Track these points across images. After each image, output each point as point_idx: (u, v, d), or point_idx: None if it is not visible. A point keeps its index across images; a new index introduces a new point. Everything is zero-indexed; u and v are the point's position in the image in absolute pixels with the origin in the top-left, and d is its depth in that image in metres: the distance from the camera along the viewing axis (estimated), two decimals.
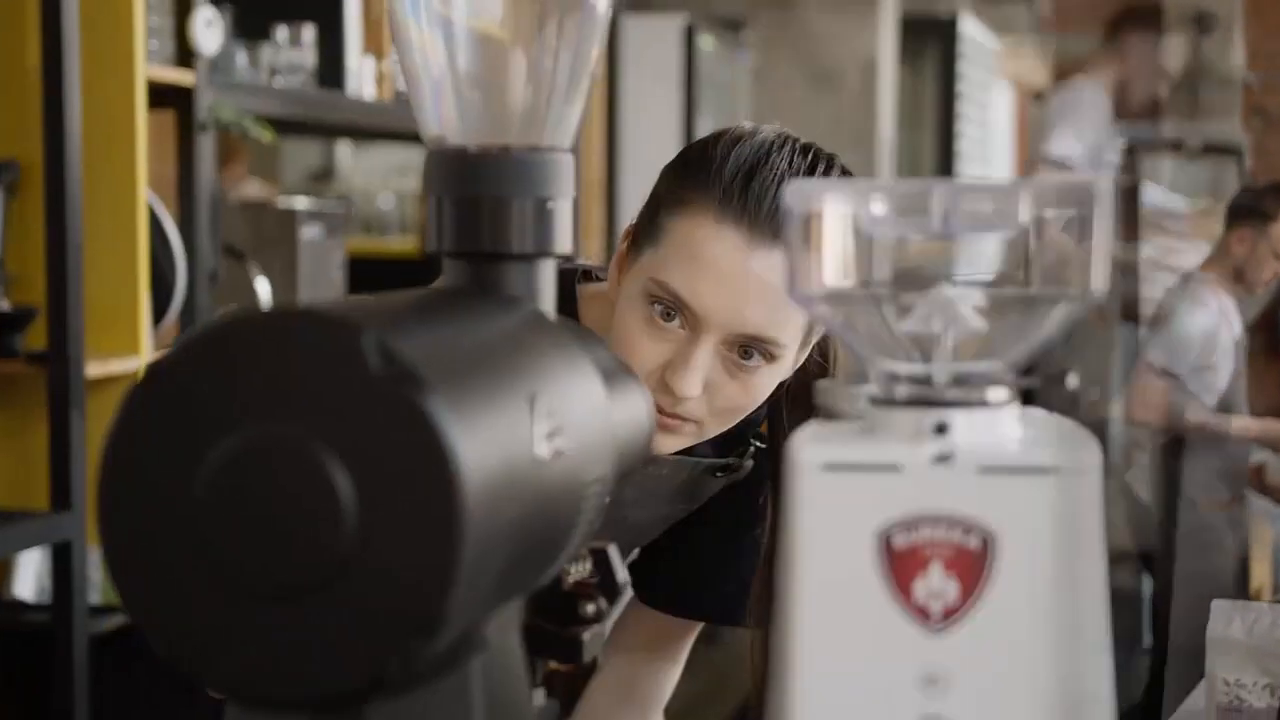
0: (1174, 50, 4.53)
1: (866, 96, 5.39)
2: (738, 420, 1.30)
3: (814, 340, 1.33)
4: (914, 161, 7.08)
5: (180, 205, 2.62)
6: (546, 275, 0.79)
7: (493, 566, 0.63)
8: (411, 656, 0.60)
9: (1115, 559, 4.16)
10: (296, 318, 0.61)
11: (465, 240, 0.78)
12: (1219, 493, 4.43)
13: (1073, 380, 3.69)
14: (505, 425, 0.64)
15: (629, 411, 0.84)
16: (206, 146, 2.63)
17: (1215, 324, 4.29)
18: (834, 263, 0.70)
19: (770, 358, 1.25)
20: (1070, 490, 0.66)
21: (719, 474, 1.43)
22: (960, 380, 0.69)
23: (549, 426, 0.68)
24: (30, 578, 2.66)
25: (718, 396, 1.26)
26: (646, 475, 1.41)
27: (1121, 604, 3.97)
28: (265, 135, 2.71)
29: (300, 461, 0.59)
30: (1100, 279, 0.67)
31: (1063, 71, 9.60)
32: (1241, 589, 4.26)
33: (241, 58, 2.88)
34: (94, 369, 2.37)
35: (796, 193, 0.69)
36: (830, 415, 0.78)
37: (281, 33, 2.97)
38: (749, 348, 1.24)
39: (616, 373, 0.85)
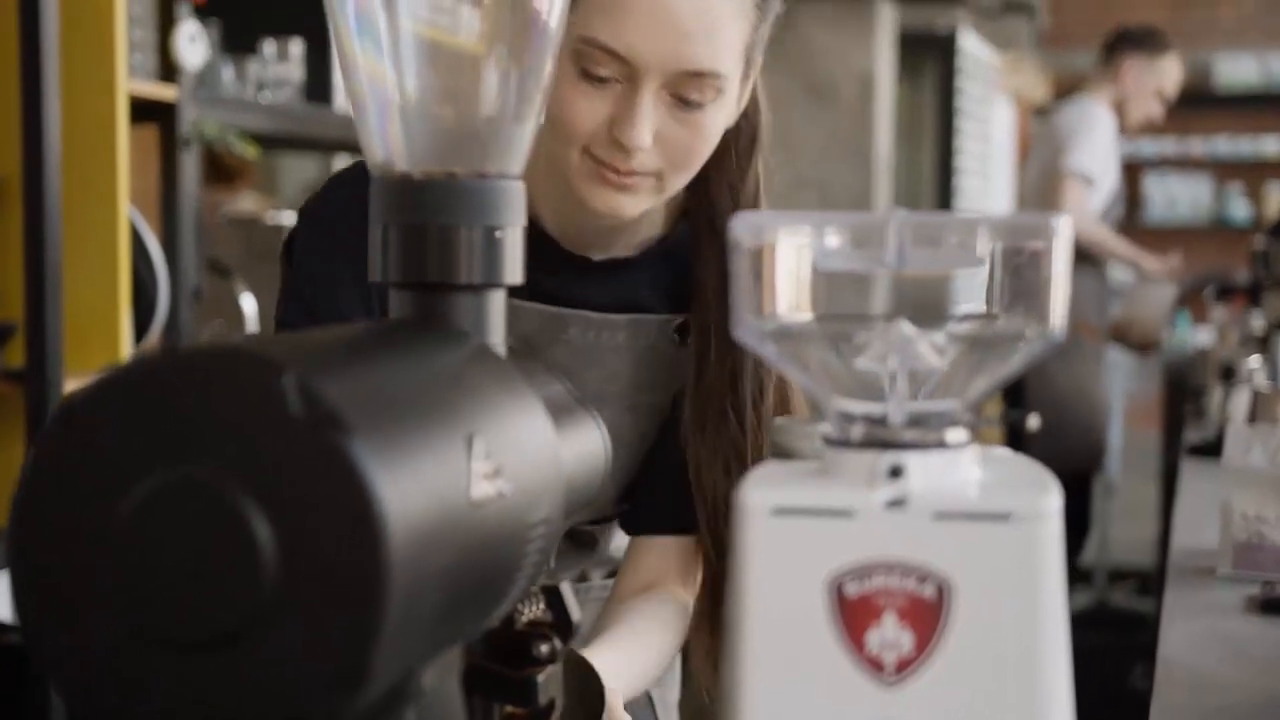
0: (1171, 70, 4.52)
1: (864, 112, 5.36)
2: (695, 169, 1.27)
3: (754, 74, 1.30)
4: (912, 177, 7.05)
5: (163, 221, 2.60)
6: (496, 306, 0.77)
7: (424, 615, 0.60)
8: (335, 711, 0.57)
9: None
10: (216, 356, 0.58)
11: (411, 270, 0.75)
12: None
13: (1034, 421, 3.67)
14: (438, 467, 0.61)
15: (580, 447, 0.81)
16: (190, 162, 2.60)
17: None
18: (785, 297, 0.67)
19: (715, 92, 1.22)
20: (1029, 537, 0.63)
21: (677, 336, 1.39)
22: (918, 420, 0.67)
23: (488, 467, 0.65)
24: (6, 597, 2.63)
25: (670, 144, 1.23)
26: (605, 345, 1.37)
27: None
28: (249, 151, 2.69)
29: (218, 507, 0.57)
30: (1059, 317, 0.64)
31: (1062, 86, 9.60)
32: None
33: (228, 72, 2.86)
34: (73, 386, 2.34)
35: (745, 225, 0.66)
36: (786, 454, 0.75)
37: (269, 47, 2.94)
38: (690, 92, 1.21)
39: (568, 408, 0.82)
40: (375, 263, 0.76)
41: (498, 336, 0.77)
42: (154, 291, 2.50)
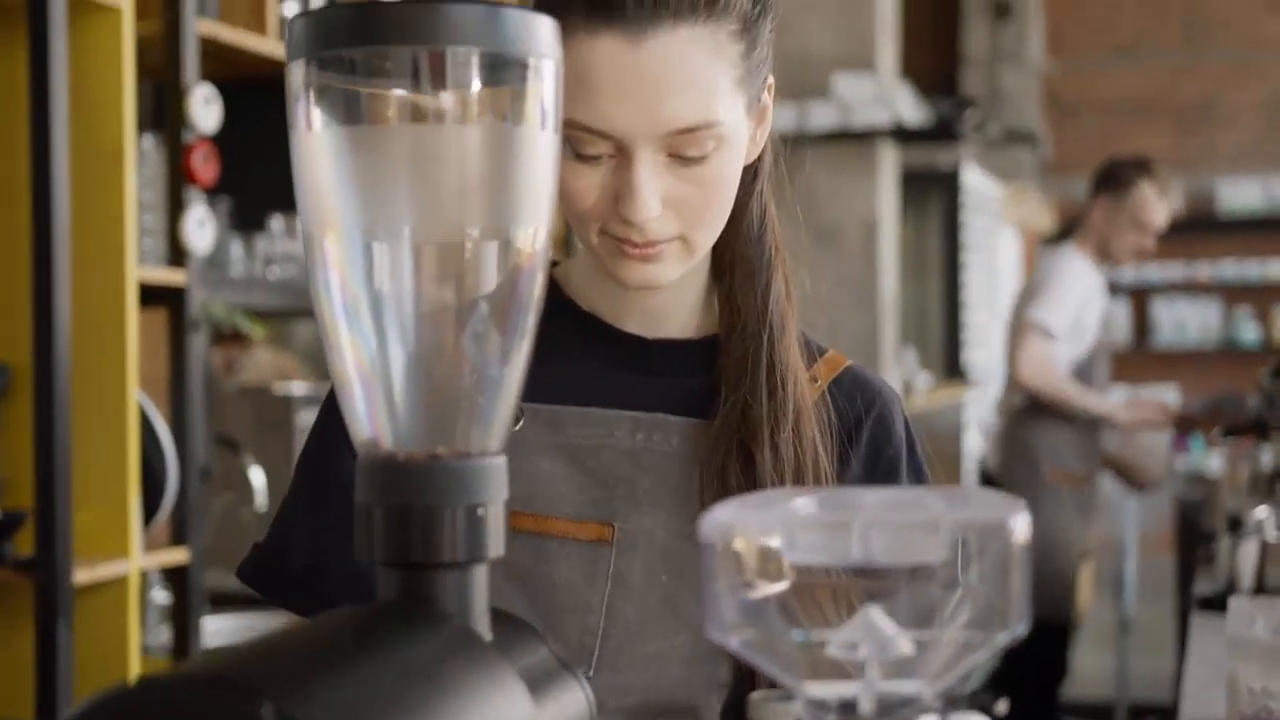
0: (1144, 199, 4.50)
1: (868, 254, 5.41)
2: (719, 222, 1.19)
3: (767, 99, 1.24)
4: (920, 314, 7.09)
5: (172, 402, 2.63)
6: (479, 582, 0.79)
7: None
8: None
9: None
10: (193, 684, 0.60)
11: (395, 550, 0.77)
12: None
13: (1001, 707, 3.67)
14: None
15: (561, 713, 0.82)
16: (198, 344, 2.64)
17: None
18: (754, 590, 0.69)
19: (715, 141, 1.15)
20: None
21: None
22: (888, 706, 0.68)
23: None
24: None
25: (683, 205, 1.16)
26: (656, 448, 1.24)
27: None
28: (256, 332, 2.73)
29: None
30: (1020, 617, 0.66)
31: (1066, 215, 9.69)
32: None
33: (237, 248, 2.91)
34: (83, 575, 2.35)
35: (714, 524, 0.68)
36: None
37: (276, 223, 3.00)
38: (687, 149, 1.14)
39: (550, 672, 0.83)
40: (360, 541, 0.78)
41: (480, 609, 0.79)
42: (163, 474, 2.52)
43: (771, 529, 0.68)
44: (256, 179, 3.00)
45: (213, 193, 2.77)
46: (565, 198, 1.17)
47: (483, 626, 0.78)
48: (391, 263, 0.78)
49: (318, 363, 5.12)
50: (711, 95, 1.14)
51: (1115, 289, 9.88)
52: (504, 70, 0.76)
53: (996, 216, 8.17)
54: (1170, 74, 9.78)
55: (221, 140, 2.73)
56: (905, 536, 0.67)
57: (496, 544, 0.79)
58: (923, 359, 6.74)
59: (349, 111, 0.78)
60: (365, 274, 0.78)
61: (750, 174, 1.26)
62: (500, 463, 0.80)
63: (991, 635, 0.68)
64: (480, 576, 0.79)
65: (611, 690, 1.18)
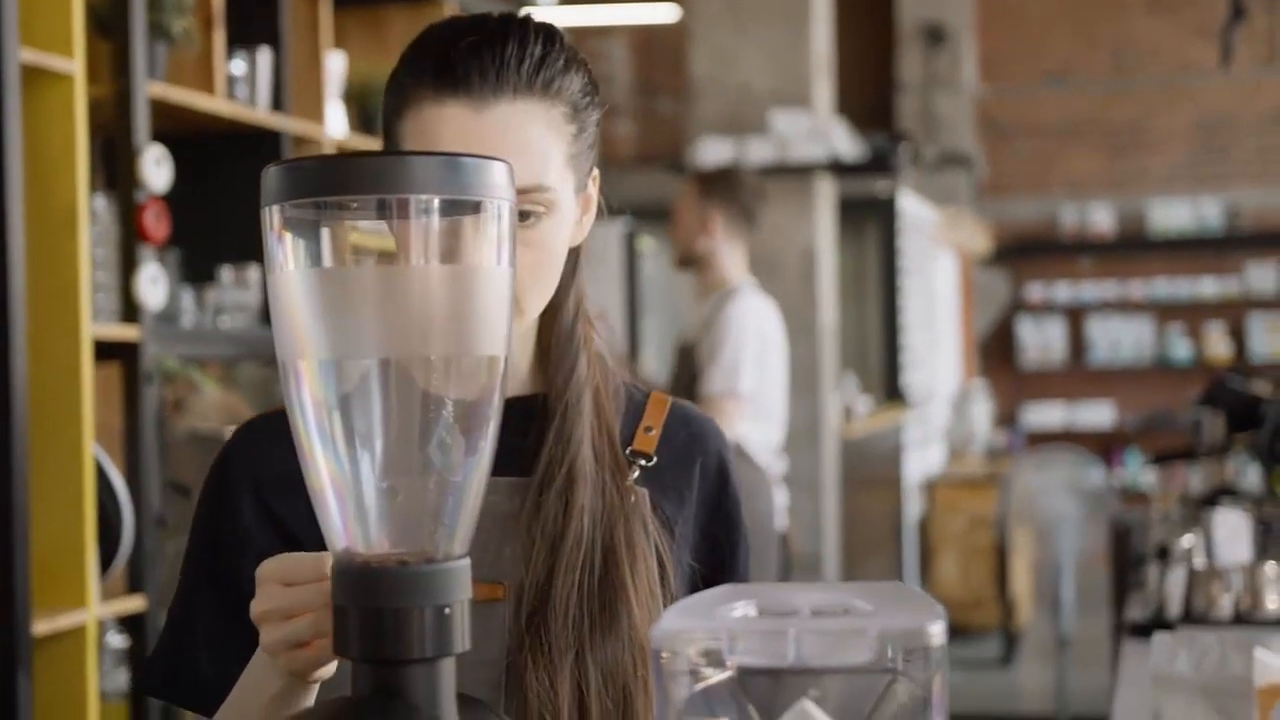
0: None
1: (807, 284, 5.50)
2: (548, 289, 1.25)
3: (593, 190, 1.30)
4: (859, 339, 7.20)
5: (126, 453, 2.68)
6: (446, 674, 0.86)
7: None
8: None
9: None
10: None
11: (369, 649, 0.85)
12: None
13: None
14: None
15: None
16: (151, 396, 2.69)
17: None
18: (699, 688, 0.76)
19: (547, 206, 1.21)
20: None
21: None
22: None
23: None
24: None
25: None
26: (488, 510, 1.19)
27: None
28: (207, 384, 2.78)
29: None
30: (941, 712, 0.73)
31: (1003, 235, 9.84)
32: None
33: (188, 299, 2.96)
34: (41, 625, 2.40)
35: (663, 632, 0.75)
36: None
37: (227, 273, 3.05)
38: (520, 207, 1.16)
39: None
40: (338, 640, 0.86)
41: (448, 699, 0.86)
42: (119, 525, 2.57)
43: (715, 635, 0.76)
44: (206, 231, 3.05)
45: (163, 246, 2.82)
46: None
47: (450, 716, 0.85)
48: (359, 387, 0.85)
49: (265, 401, 5.14)
50: (545, 163, 1.22)
51: (1051, 308, 10.08)
52: (461, 213, 0.84)
53: (933, 240, 8.30)
54: (1101, 98, 9.96)
55: (171, 194, 2.79)
56: (835, 641, 0.75)
57: (462, 639, 0.86)
58: (863, 383, 6.85)
59: (319, 253, 0.85)
60: (336, 397, 0.86)
61: (572, 263, 1.31)
62: (464, 565, 0.87)
63: None
64: (448, 669, 0.86)
65: None
